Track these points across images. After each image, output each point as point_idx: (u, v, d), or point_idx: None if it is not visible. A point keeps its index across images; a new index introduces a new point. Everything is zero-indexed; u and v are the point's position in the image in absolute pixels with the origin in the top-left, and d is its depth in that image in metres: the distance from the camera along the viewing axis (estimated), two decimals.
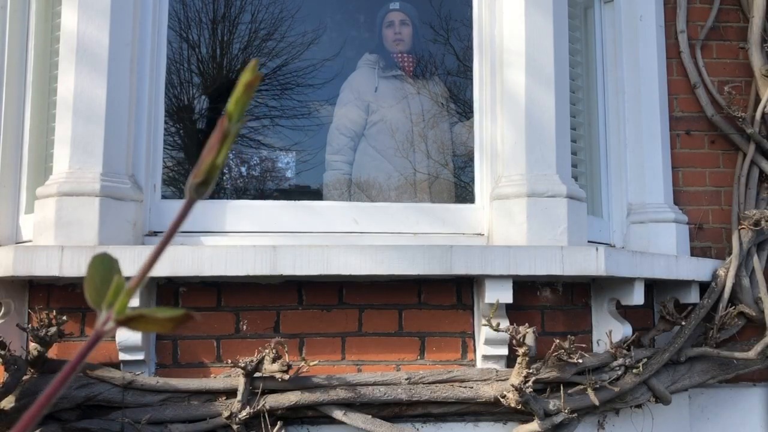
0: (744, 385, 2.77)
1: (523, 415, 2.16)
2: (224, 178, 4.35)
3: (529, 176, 2.30)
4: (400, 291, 2.25)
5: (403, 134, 3.39)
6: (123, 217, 2.13)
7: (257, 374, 2.03)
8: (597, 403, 2.18)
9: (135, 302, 2.02)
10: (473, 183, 2.50)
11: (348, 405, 2.09)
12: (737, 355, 2.51)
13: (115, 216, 2.12)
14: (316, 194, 3.76)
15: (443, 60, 3.84)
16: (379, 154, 3.36)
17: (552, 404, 2.14)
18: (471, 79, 2.54)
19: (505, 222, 2.30)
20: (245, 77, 0.43)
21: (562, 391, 2.16)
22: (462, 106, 3.63)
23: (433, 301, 2.26)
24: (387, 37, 3.51)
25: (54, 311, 2.01)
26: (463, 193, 3.35)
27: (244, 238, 2.24)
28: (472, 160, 2.54)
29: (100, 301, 0.42)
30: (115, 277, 0.43)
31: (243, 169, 4.49)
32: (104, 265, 0.44)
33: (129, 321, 0.40)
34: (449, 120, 3.53)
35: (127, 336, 2.04)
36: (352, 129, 3.36)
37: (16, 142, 2.39)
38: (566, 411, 2.12)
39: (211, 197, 4.35)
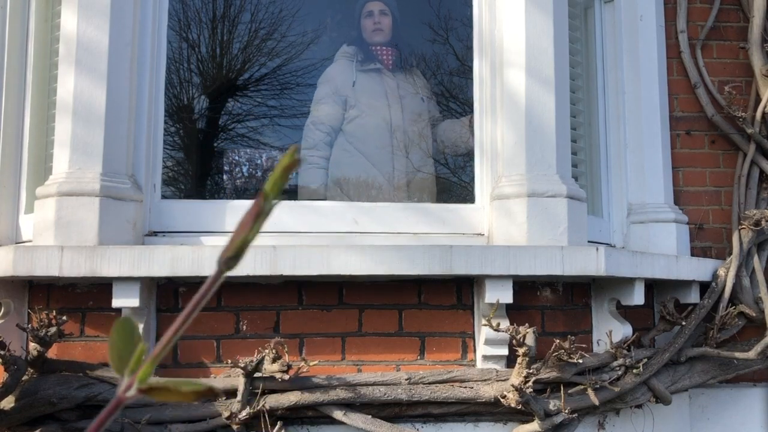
0: (744, 385, 2.76)
1: (523, 415, 2.16)
2: (224, 178, 4.35)
3: (529, 176, 2.30)
4: (400, 291, 2.25)
5: (382, 130, 3.22)
6: (123, 217, 2.13)
7: (257, 374, 2.03)
8: (597, 403, 2.18)
9: (135, 302, 2.02)
10: (473, 183, 2.50)
11: (348, 405, 2.09)
12: (737, 355, 2.51)
13: (115, 216, 2.12)
14: (315, 194, 3.75)
15: (441, 58, 3.83)
16: (357, 150, 3.20)
17: (552, 404, 2.14)
18: (466, 78, 2.55)
19: (506, 222, 2.30)
20: (284, 161, 0.44)
21: (562, 391, 2.16)
22: (461, 105, 3.62)
23: (433, 301, 2.26)
24: (366, 27, 3.31)
25: (54, 311, 2.01)
26: (463, 192, 3.34)
27: None
28: (463, 158, 2.53)
29: (123, 367, 0.42)
30: (139, 344, 0.43)
31: (243, 169, 4.49)
32: (126, 330, 0.44)
33: (152, 390, 0.41)
34: (429, 116, 3.36)
35: None
36: (329, 124, 3.19)
37: (16, 142, 2.39)
38: (566, 411, 2.12)
39: (211, 197, 4.34)
